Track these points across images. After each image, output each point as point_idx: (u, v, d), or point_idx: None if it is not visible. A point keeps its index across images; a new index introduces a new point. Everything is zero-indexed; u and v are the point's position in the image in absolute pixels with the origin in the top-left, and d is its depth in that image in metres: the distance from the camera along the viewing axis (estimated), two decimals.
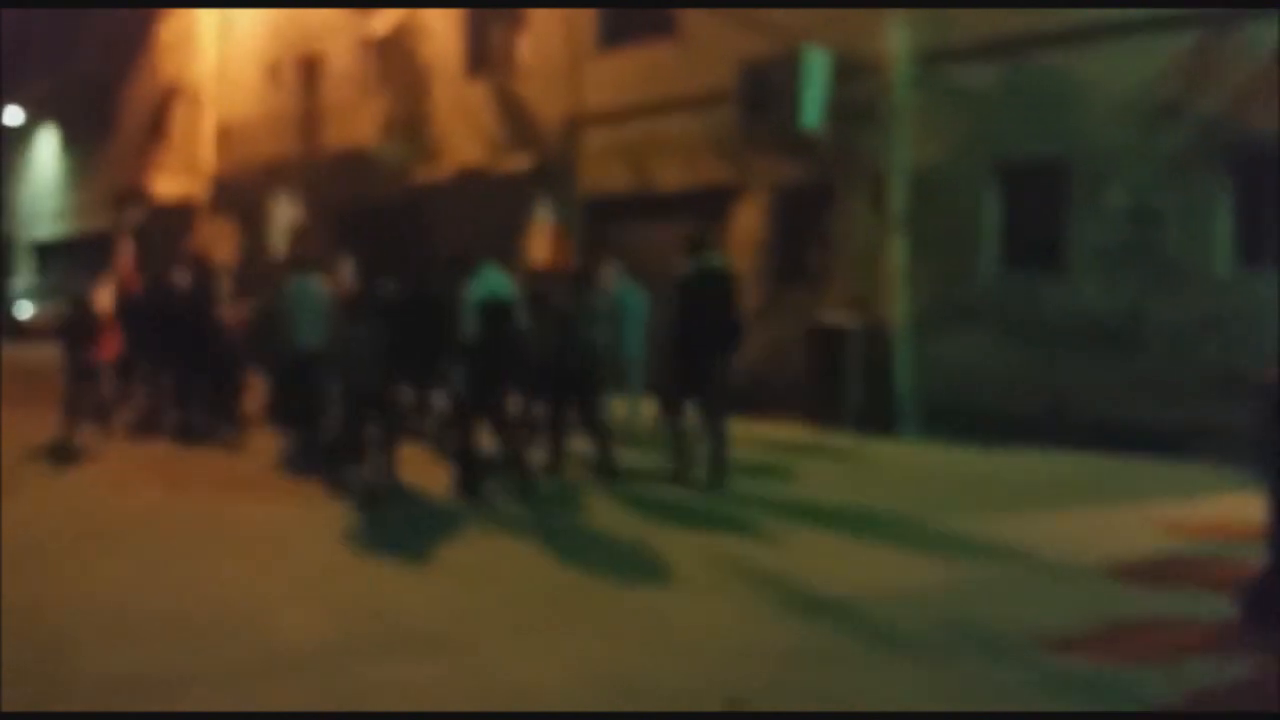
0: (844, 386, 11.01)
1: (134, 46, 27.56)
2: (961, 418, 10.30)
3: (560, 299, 8.98)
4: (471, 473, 7.68)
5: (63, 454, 9.55)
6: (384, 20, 17.39)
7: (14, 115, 34.39)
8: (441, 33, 17.30)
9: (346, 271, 9.90)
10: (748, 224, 12.78)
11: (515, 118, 15.95)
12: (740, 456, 8.37)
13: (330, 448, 8.53)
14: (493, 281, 8.20)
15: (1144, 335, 9.58)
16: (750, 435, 9.63)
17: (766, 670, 4.14)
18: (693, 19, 13.44)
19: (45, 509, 7.39)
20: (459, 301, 8.07)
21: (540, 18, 15.54)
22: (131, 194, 26.22)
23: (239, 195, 21.79)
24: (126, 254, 13.07)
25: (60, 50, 31.81)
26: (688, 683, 3.98)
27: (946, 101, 11.04)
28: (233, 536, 6.50)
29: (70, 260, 30.64)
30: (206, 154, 24.03)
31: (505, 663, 4.24)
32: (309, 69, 20.67)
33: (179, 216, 24.75)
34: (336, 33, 19.43)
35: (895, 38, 10.72)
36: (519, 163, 15.34)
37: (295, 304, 9.49)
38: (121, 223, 27.20)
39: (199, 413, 10.81)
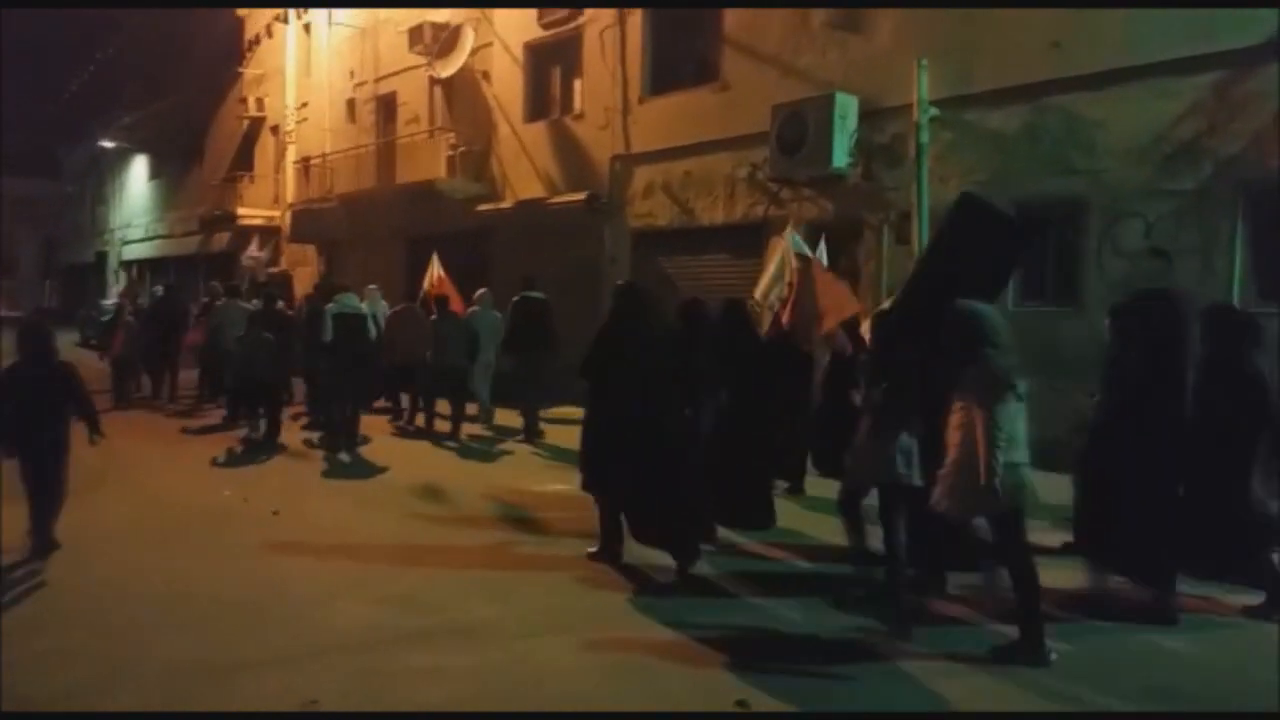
0: None
1: (221, 82, 28.83)
2: None
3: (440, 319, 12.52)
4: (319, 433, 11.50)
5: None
6: (450, 64, 18.43)
7: (109, 142, 36.45)
8: (504, 78, 18.25)
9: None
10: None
11: (570, 156, 16.82)
12: None
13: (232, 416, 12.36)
14: (345, 303, 11.58)
15: None
16: None
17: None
18: (733, 67, 14.15)
19: None
20: (322, 316, 11.57)
21: (593, 66, 16.40)
22: (218, 219, 27.44)
23: (318, 223, 23.00)
24: (129, 280, 16.12)
25: (152, 84, 33.50)
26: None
27: (969, 143, 11.43)
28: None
29: (158, 278, 32.31)
30: (288, 184, 25.25)
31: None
32: (383, 107, 21.78)
33: (262, 241, 26.19)
34: (409, 74, 20.44)
35: (920, 83, 10.98)
36: (573, 197, 16.22)
37: (223, 318, 13.80)
38: (208, 245, 28.79)
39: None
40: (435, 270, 14.42)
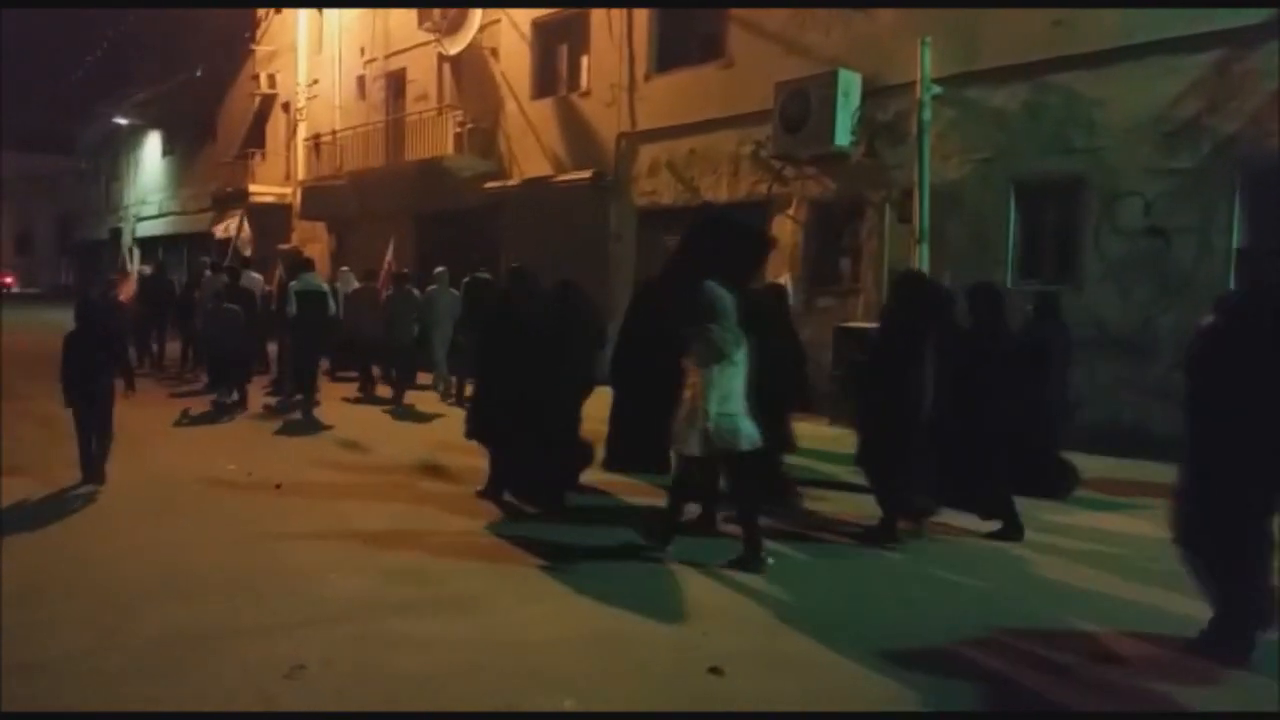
0: None
1: (233, 59, 28.89)
2: None
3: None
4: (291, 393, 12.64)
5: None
6: (458, 41, 18.49)
7: (123, 118, 36.61)
8: (512, 55, 18.31)
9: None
10: (785, 234, 13.36)
11: (577, 134, 16.90)
12: None
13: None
14: (308, 280, 12.74)
15: (1155, 344, 9.86)
16: None
17: None
18: (738, 44, 14.18)
19: None
20: (288, 293, 12.74)
21: (600, 43, 16.46)
22: (230, 196, 27.60)
23: (328, 200, 23.13)
24: (123, 259, 18.30)
25: (165, 60, 33.57)
26: None
27: (970, 121, 11.50)
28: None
29: (171, 255, 32.51)
30: (299, 161, 25.37)
31: None
32: (393, 84, 21.89)
33: (275, 218, 26.34)
34: (418, 51, 20.51)
35: (923, 61, 11.04)
36: (579, 175, 16.33)
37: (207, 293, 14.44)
38: (220, 222, 28.94)
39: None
40: (390, 251, 16.78)
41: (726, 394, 5.83)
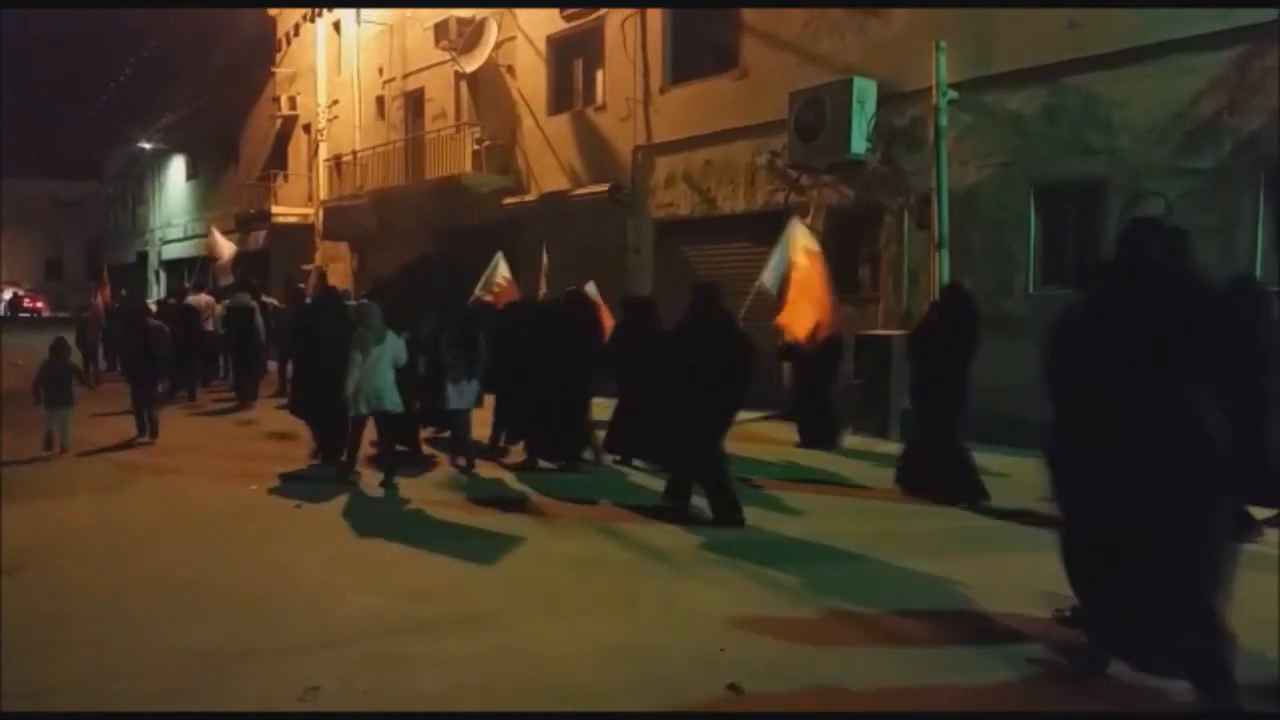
0: (890, 396, 11.29)
1: (254, 81, 29.18)
2: (1001, 426, 9.99)
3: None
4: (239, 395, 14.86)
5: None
6: (475, 59, 18.59)
7: (147, 143, 37.09)
8: (528, 71, 18.43)
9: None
10: None
11: (593, 148, 16.96)
12: None
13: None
14: (237, 300, 15.03)
15: None
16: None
17: None
18: (752, 54, 14.16)
19: None
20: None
21: (615, 57, 16.50)
22: (253, 218, 27.82)
23: (350, 219, 23.27)
24: (105, 283, 20.23)
25: (188, 85, 33.92)
26: None
27: (988, 125, 11.38)
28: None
29: (199, 278, 32.69)
30: (320, 181, 25.59)
31: None
32: (411, 103, 22.04)
33: (298, 238, 26.55)
34: (435, 70, 20.67)
35: (938, 66, 10.95)
36: (597, 189, 16.35)
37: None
38: (245, 244, 29.14)
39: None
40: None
41: (368, 373, 8.49)
